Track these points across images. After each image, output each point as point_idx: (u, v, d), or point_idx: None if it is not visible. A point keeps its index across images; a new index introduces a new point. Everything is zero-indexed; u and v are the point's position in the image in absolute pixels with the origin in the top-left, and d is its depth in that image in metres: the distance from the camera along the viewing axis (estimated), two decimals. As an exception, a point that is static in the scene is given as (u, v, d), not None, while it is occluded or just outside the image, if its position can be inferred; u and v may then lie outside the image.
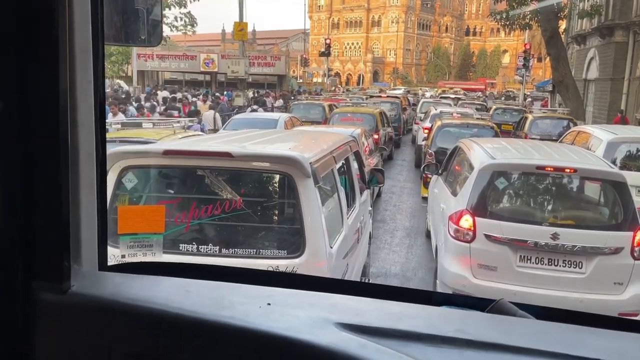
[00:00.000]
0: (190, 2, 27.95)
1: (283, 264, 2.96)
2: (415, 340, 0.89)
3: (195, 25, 29.18)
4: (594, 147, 7.87)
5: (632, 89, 20.34)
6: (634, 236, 4.31)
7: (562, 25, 25.15)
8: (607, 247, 4.33)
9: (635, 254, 4.29)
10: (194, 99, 19.10)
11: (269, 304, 0.98)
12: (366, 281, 5.14)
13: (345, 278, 3.58)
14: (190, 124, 9.54)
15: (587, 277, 4.33)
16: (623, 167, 7.12)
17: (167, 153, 3.11)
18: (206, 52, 37.74)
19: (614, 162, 6.84)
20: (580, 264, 4.35)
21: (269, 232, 3.27)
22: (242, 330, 0.90)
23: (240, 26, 21.47)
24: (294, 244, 3.05)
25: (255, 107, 19.65)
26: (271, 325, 0.90)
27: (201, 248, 3.06)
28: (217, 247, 3.06)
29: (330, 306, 1.02)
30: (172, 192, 3.36)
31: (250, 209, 3.25)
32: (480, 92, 52.01)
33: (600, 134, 8.31)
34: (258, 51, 44.87)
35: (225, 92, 26.92)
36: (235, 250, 3.05)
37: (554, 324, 1.06)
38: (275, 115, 13.93)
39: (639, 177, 6.98)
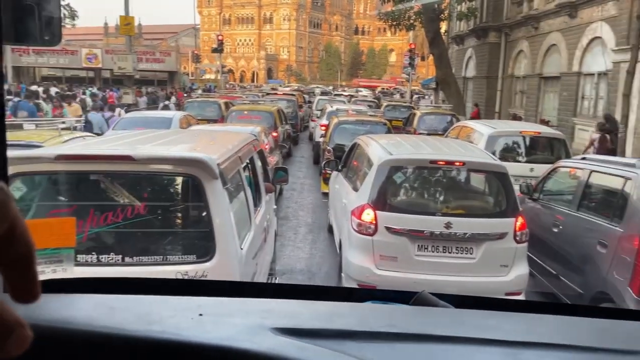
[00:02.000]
0: (70, -7, 26.06)
1: (192, 269, 2.88)
2: (349, 338, 0.92)
3: (75, 17, 27.26)
4: (476, 141, 8.52)
5: (505, 86, 22.33)
6: (516, 221, 4.74)
7: (444, 26, 26.84)
8: (493, 233, 4.73)
9: (517, 238, 4.72)
10: (64, 103, 15.36)
11: (200, 314, 0.96)
12: (274, 280, 5.15)
13: (255, 278, 3.57)
14: (76, 124, 8.93)
15: (477, 261, 4.68)
16: (502, 158, 7.79)
17: (61, 158, 2.88)
18: (88, 47, 35.40)
19: (494, 154, 7.46)
20: (471, 249, 4.70)
21: (176, 237, 3.16)
22: (175, 344, 0.87)
23: (127, 20, 20.44)
24: (203, 247, 2.97)
25: (167, 102, 18.75)
26: (206, 337, 0.88)
27: (102, 258, 2.88)
28: (120, 256, 2.90)
29: (263, 312, 1.02)
30: (66, 199, 3.13)
31: (155, 214, 3.12)
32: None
33: (481, 129, 9.02)
34: (145, 46, 42.94)
35: (113, 89, 25.43)
36: (140, 259, 2.91)
37: (471, 311, 1.15)
38: (169, 113, 13.40)
39: (516, 167, 7.68)
